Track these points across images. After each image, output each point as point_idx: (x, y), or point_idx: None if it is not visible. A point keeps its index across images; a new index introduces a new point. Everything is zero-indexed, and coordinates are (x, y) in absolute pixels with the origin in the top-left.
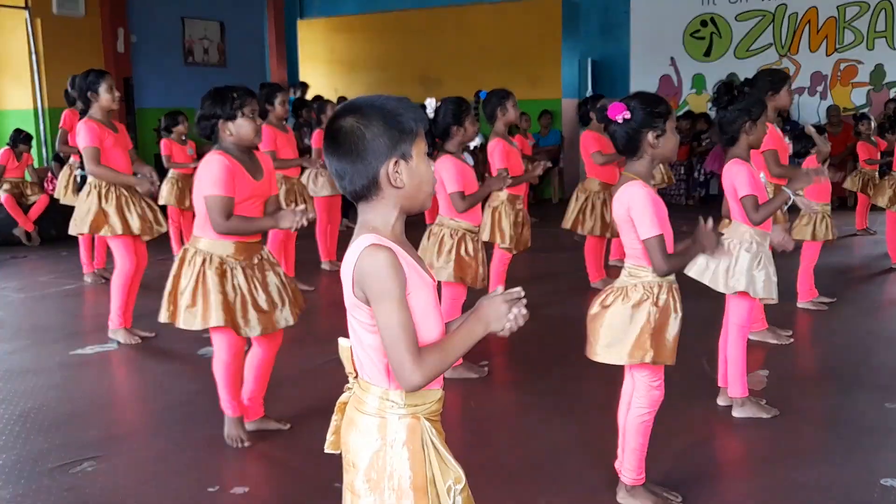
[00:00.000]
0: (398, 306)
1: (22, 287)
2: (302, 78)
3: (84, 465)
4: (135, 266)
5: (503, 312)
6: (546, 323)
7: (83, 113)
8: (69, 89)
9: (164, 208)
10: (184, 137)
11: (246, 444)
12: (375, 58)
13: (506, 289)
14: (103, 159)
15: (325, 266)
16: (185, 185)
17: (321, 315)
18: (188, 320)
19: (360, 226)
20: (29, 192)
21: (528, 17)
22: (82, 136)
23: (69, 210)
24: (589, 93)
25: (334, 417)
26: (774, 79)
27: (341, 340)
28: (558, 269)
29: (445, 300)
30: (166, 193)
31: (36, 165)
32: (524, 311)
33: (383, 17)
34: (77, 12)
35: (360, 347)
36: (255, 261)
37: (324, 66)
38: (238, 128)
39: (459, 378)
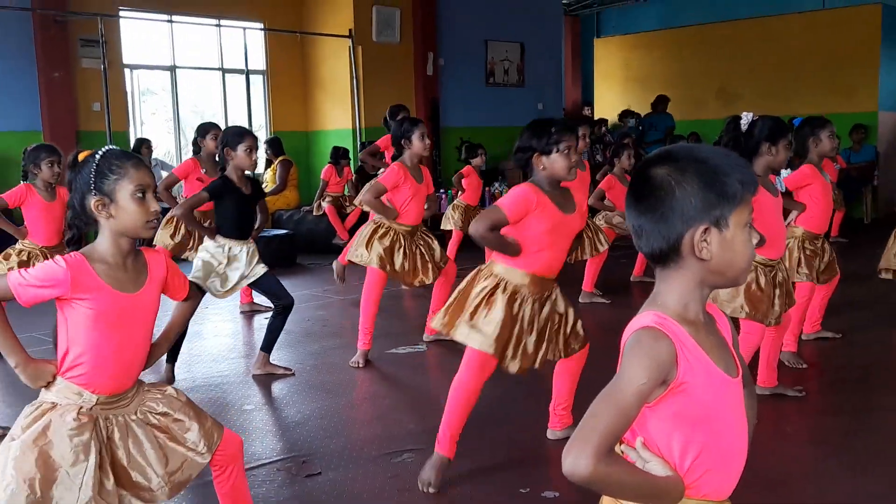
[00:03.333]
0: (628, 393)
1: (340, 290)
2: (597, 96)
3: (405, 455)
4: (377, 294)
5: None
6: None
7: (398, 156)
8: (387, 118)
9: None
10: (482, 168)
11: (432, 490)
12: (672, 73)
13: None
14: (396, 199)
15: None
16: (469, 214)
17: None
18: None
19: (652, 296)
20: (347, 203)
21: (841, 25)
22: (386, 173)
23: None
24: None
25: None
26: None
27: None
28: (874, 294)
29: (742, 335)
30: (449, 218)
31: None
32: None
33: (681, 31)
34: (393, 39)
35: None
36: (546, 296)
37: (619, 83)
38: (552, 163)
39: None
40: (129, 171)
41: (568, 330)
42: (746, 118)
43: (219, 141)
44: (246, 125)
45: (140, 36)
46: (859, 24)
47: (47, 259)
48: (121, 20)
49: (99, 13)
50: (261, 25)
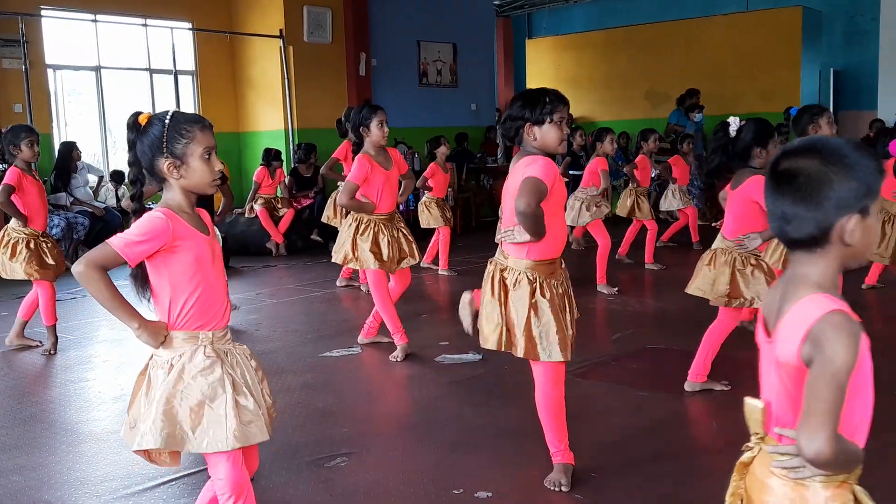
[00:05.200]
0: (841, 381)
1: (273, 293)
2: None
3: (337, 459)
4: (386, 292)
5: None
6: None
7: (358, 147)
8: (343, 120)
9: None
10: (446, 161)
11: (564, 488)
12: (602, 74)
13: None
14: (368, 191)
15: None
16: (441, 207)
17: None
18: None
19: (799, 277)
20: (279, 206)
21: (763, 27)
22: (353, 169)
23: (312, 224)
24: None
25: (733, 479)
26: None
27: (750, 401)
28: None
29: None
30: (427, 216)
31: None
32: None
33: (610, 33)
34: (325, 39)
35: (789, 409)
36: (560, 274)
37: (550, 83)
38: (544, 133)
39: None
40: (197, 135)
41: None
42: (734, 123)
43: None
44: None
45: (64, 36)
46: (780, 26)
47: (42, 245)
48: (43, 19)
49: (19, 12)
50: (189, 25)
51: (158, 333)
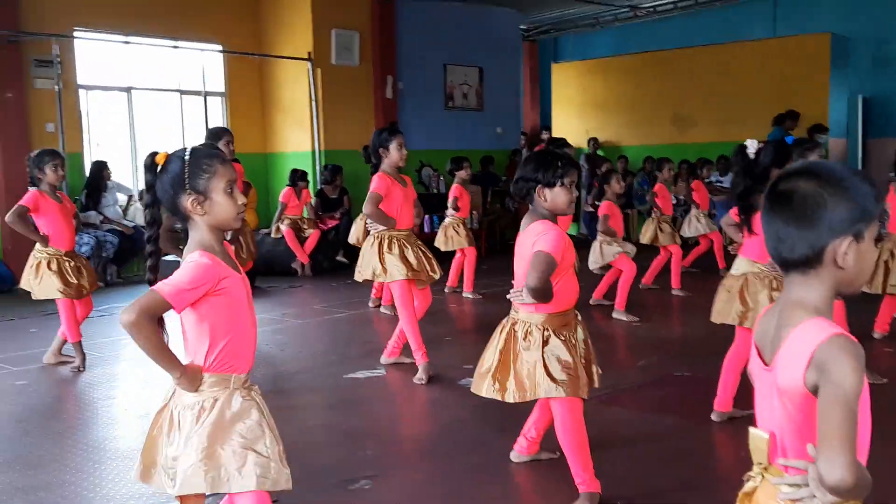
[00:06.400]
0: (853, 405)
1: (299, 314)
2: (554, 120)
3: (361, 482)
4: (412, 307)
5: None
6: None
7: (375, 168)
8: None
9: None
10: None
11: None
12: (628, 98)
13: None
14: (388, 207)
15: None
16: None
17: None
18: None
19: (794, 302)
20: (305, 226)
21: (792, 53)
22: (375, 183)
23: (338, 245)
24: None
25: None
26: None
27: (755, 431)
28: None
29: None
30: (452, 239)
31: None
32: None
33: (637, 58)
34: (353, 62)
35: (796, 438)
36: (575, 325)
37: (576, 108)
38: (555, 196)
39: None
40: (218, 169)
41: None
42: (752, 146)
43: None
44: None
45: (95, 56)
46: (807, 53)
47: (65, 264)
48: (75, 41)
49: (53, 34)
50: (219, 47)
51: (196, 379)
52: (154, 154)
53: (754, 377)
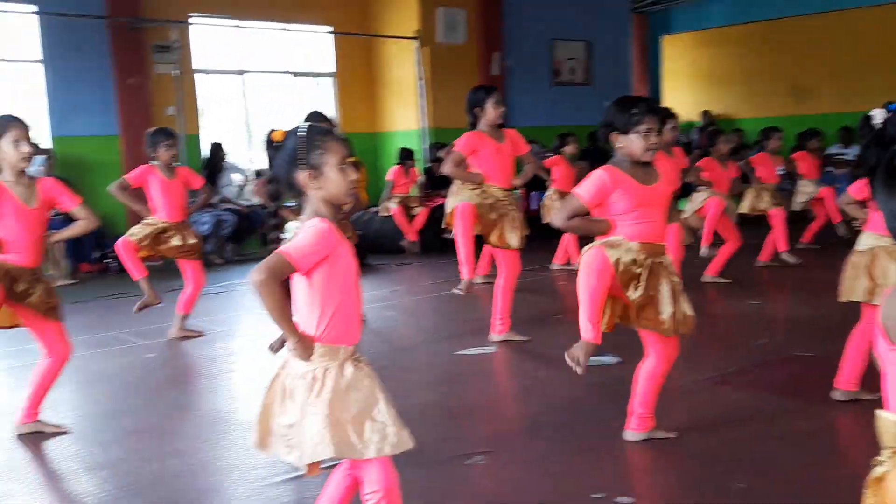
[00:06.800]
0: None
1: (408, 290)
2: (664, 93)
3: (475, 458)
4: (470, 225)
5: None
6: None
7: (472, 126)
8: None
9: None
10: (575, 158)
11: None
12: (742, 70)
13: None
14: (478, 164)
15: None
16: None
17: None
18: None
19: None
20: (413, 205)
21: None
22: (459, 141)
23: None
24: None
25: (867, 495)
26: None
27: (884, 414)
28: None
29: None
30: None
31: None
32: None
33: (751, 27)
34: (459, 40)
35: None
36: (660, 261)
37: (686, 81)
38: (629, 142)
39: None
40: (332, 146)
41: (680, 306)
42: (880, 115)
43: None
44: None
45: (210, 41)
46: None
47: (167, 233)
48: (191, 26)
49: (171, 20)
50: (329, 29)
51: (310, 347)
52: (272, 131)
53: (882, 359)
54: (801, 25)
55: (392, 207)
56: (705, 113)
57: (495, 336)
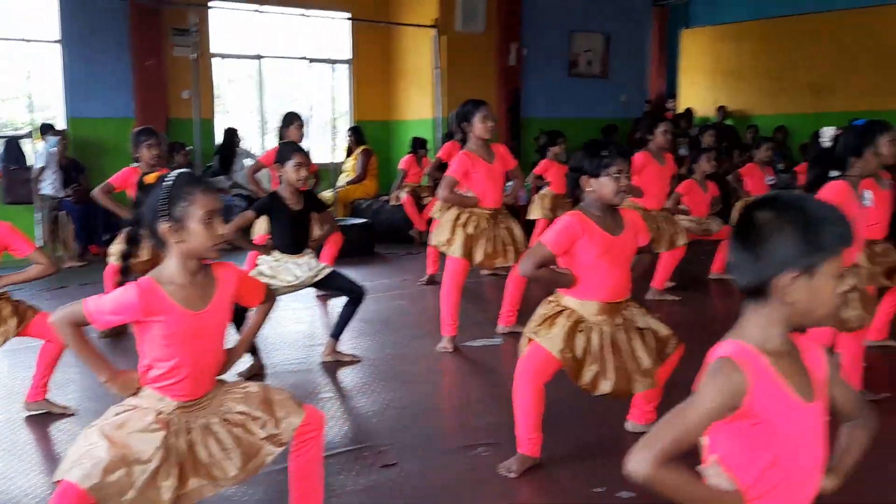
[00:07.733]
0: (695, 414)
1: (417, 280)
2: (681, 88)
3: (479, 448)
4: (458, 285)
5: None
6: None
7: (462, 141)
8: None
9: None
10: (563, 158)
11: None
12: (762, 66)
13: None
14: (471, 186)
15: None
16: (557, 203)
17: None
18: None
19: (739, 325)
20: (424, 194)
21: None
22: (452, 164)
23: None
24: None
25: None
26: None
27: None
28: None
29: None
30: (537, 207)
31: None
32: None
33: (773, 23)
34: (478, 29)
35: None
36: (619, 322)
37: (705, 76)
38: (600, 186)
39: None
40: (197, 198)
41: (657, 340)
42: (828, 133)
43: (276, 155)
44: (330, 114)
45: (227, 25)
46: None
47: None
48: (210, 10)
49: (190, 3)
50: (347, 15)
51: (130, 385)
52: (144, 174)
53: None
54: (822, 22)
55: (402, 196)
56: (721, 108)
57: (502, 328)
